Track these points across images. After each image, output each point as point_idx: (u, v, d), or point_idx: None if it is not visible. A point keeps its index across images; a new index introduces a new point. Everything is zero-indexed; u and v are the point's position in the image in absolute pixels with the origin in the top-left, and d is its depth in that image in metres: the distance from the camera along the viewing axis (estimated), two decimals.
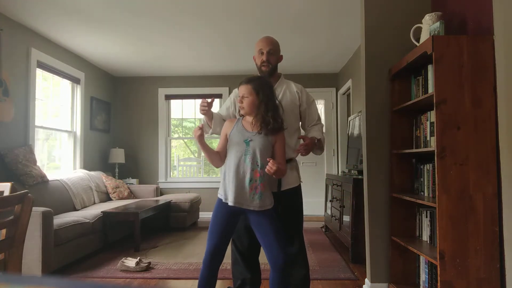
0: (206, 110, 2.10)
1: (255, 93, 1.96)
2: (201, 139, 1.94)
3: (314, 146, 2.12)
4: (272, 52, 2.23)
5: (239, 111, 2.12)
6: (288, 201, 2.19)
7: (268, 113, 1.95)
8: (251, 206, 1.92)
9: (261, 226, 1.95)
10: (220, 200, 2.00)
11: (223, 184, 1.99)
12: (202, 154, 7.00)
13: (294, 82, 2.34)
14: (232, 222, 2.00)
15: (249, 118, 2.02)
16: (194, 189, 6.36)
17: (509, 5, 1.90)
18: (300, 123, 2.34)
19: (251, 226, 2.01)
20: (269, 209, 1.97)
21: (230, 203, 1.91)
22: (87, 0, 3.56)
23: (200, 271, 1.99)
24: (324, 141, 2.25)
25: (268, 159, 1.87)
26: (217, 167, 2.09)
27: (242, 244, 2.29)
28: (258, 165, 1.92)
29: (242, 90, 1.98)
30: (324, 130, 2.35)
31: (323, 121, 6.36)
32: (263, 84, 1.99)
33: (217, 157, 2.02)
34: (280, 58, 2.31)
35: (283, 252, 1.93)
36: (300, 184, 2.28)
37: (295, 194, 2.23)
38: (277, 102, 2.03)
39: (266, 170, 1.86)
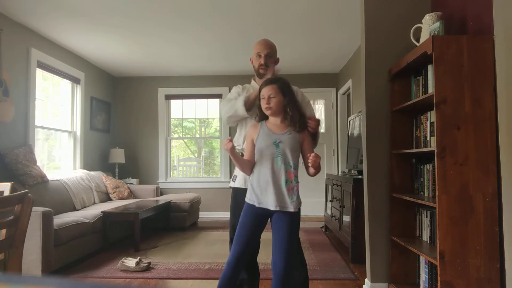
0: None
1: (281, 93, 1.96)
2: (233, 150, 1.91)
3: (318, 126, 2.13)
4: (270, 55, 2.26)
5: (256, 116, 2.08)
6: None
7: (295, 112, 1.96)
8: (291, 207, 1.90)
9: (280, 228, 1.92)
10: (249, 204, 1.97)
11: (255, 188, 1.95)
12: (202, 154, 7.01)
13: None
14: (260, 226, 1.97)
15: (273, 120, 2.00)
16: (194, 189, 6.36)
17: (509, 5, 1.90)
18: None
19: (271, 223, 1.99)
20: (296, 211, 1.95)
21: (272, 208, 1.89)
22: (88, 1, 3.57)
23: (223, 272, 1.94)
24: (319, 136, 2.27)
25: (308, 155, 1.88)
26: (248, 175, 2.03)
27: None
28: (291, 166, 1.92)
29: (268, 90, 1.95)
30: (321, 130, 2.36)
31: (323, 121, 6.42)
32: (286, 84, 2.01)
33: (249, 165, 1.99)
34: (277, 60, 2.33)
35: (285, 261, 1.89)
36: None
37: None
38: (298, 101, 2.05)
39: (312, 163, 1.85)
